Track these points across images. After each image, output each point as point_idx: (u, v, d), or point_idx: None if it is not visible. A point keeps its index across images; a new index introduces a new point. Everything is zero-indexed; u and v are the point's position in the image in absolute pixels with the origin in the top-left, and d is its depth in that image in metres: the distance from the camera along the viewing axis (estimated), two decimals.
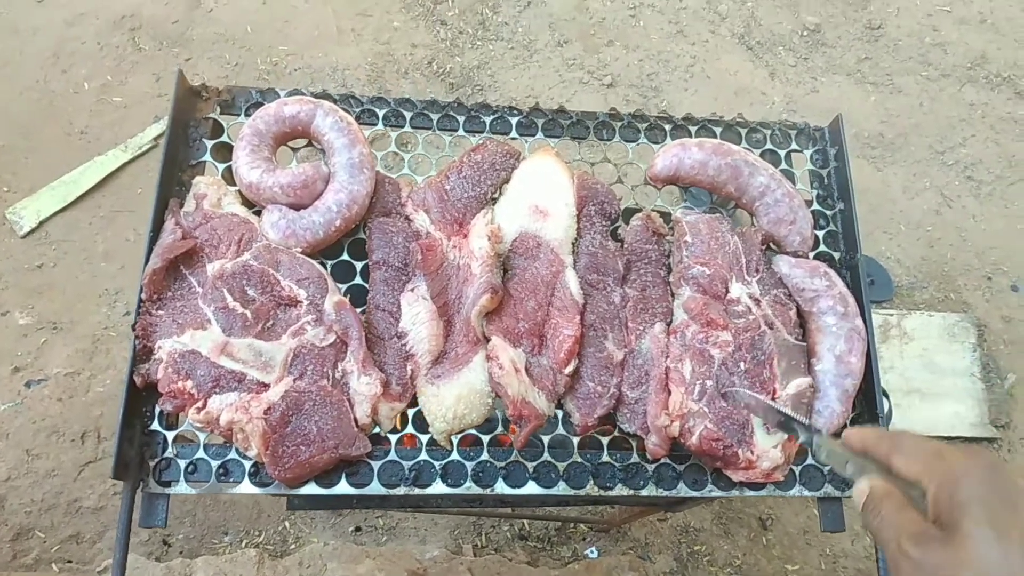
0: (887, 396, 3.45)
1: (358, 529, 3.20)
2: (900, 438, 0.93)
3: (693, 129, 1.78)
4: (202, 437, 1.45)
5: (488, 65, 4.03)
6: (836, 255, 1.71)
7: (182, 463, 1.43)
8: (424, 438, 1.49)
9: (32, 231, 3.42)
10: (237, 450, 1.44)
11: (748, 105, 4.07)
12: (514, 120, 1.75)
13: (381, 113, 1.72)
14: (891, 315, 3.65)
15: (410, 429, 1.49)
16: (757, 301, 1.56)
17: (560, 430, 1.54)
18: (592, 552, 3.26)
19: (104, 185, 3.55)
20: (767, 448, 1.45)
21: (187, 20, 3.87)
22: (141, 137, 3.59)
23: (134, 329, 1.45)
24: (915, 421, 3.50)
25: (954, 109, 4.23)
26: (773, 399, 1.50)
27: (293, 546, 3.13)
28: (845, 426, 1.58)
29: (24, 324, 3.28)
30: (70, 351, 3.24)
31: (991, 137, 4.17)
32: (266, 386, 1.43)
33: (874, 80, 4.23)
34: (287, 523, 3.16)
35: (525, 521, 3.27)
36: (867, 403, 1.60)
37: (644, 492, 1.49)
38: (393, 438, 1.49)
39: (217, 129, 1.68)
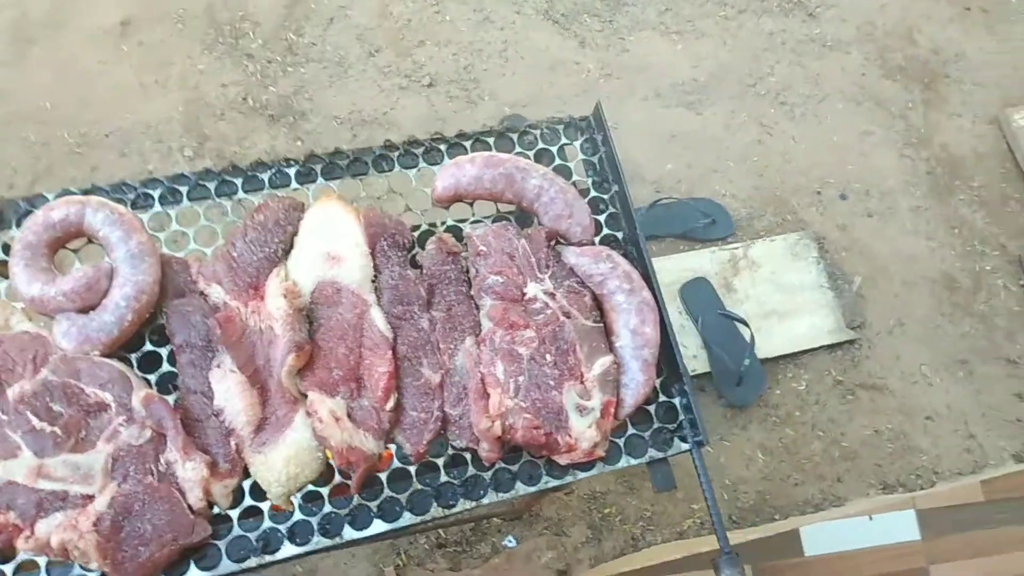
0: (747, 324, 3.66)
1: None
2: None
3: (468, 144, 1.85)
4: (42, 561, 1.45)
5: (304, 89, 4.00)
6: (619, 234, 1.82)
7: None
8: (265, 506, 1.52)
9: None
10: (81, 566, 1.44)
11: (565, 77, 4.18)
12: (292, 171, 1.78)
13: (156, 194, 1.71)
14: (737, 248, 3.86)
15: (249, 501, 1.53)
16: (552, 295, 1.66)
17: (396, 463, 1.60)
18: (510, 541, 3.35)
19: None
20: (583, 430, 1.55)
21: None
22: None
23: None
24: (778, 341, 3.72)
25: (756, 41, 4.45)
26: (582, 382, 1.60)
27: None
28: (656, 389, 1.70)
29: None
30: None
31: (794, 60, 4.42)
32: (91, 498, 1.43)
33: (677, 29, 4.41)
34: None
35: (440, 530, 3.33)
36: (669, 365, 1.71)
37: (485, 500, 1.57)
38: (234, 514, 1.52)
39: None
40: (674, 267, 3.75)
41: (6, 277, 1.64)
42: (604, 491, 3.46)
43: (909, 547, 3.19)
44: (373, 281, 1.69)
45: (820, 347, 3.78)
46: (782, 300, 3.81)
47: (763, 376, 3.66)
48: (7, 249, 1.65)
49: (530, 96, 4.08)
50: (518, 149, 1.85)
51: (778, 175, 4.13)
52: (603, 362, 1.61)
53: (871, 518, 3.21)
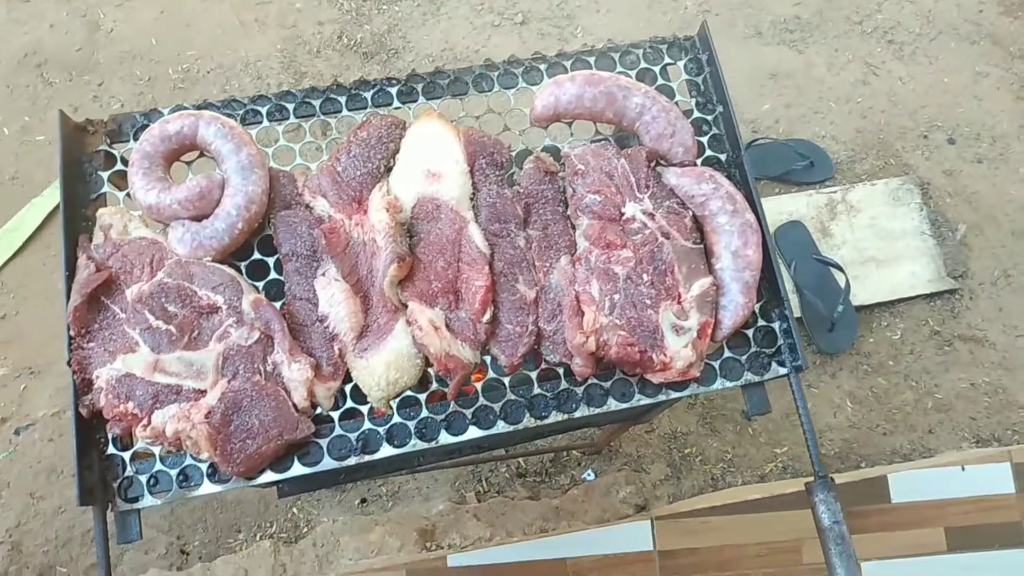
0: (842, 269, 3.55)
1: (364, 501, 3.33)
2: None
3: (567, 64, 1.83)
4: (157, 451, 1.54)
5: (398, 27, 4.02)
6: (723, 156, 1.77)
7: (143, 478, 1.53)
8: (365, 408, 1.58)
9: None
10: (192, 456, 1.53)
11: (662, 14, 4.08)
12: (394, 90, 1.80)
13: (264, 110, 1.76)
14: (835, 192, 3.73)
15: (350, 403, 1.58)
16: (651, 215, 1.64)
17: (492, 374, 1.63)
18: (589, 475, 3.39)
19: (48, 224, 3.58)
20: (678, 349, 1.55)
21: (90, 45, 3.85)
22: None
23: (70, 365, 1.53)
24: (874, 288, 3.60)
25: None
26: (679, 303, 1.59)
27: (305, 529, 3.25)
28: (754, 313, 1.67)
29: (1, 375, 3.35)
30: (51, 391, 3.32)
31: None
32: (203, 392, 1.51)
33: None
34: (295, 509, 3.28)
35: (520, 460, 3.39)
36: (770, 289, 1.68)
37: (577, 413, 1.59)
38: (336, 415, 1.58)
39: (110, 160, 1.73)
40: (769, 210, 3.64)
41: (123, 188, 1.72)
42: (685, 431, 3.45)
43: (1002, 500, 3.08)
44: (471, 198, 1.70)
45: (918, 296, 3.64)
46: (881, 246, 3.67)
47: (856, 323, 3.56)
48: (125, 161, 1.73)
49: (625, 33, 4.00)
50: (619, 69, 1.82)
51: (883, 117, 3.96)
52: (702, 283, 1.59)
53: (963, 469, 3.11)
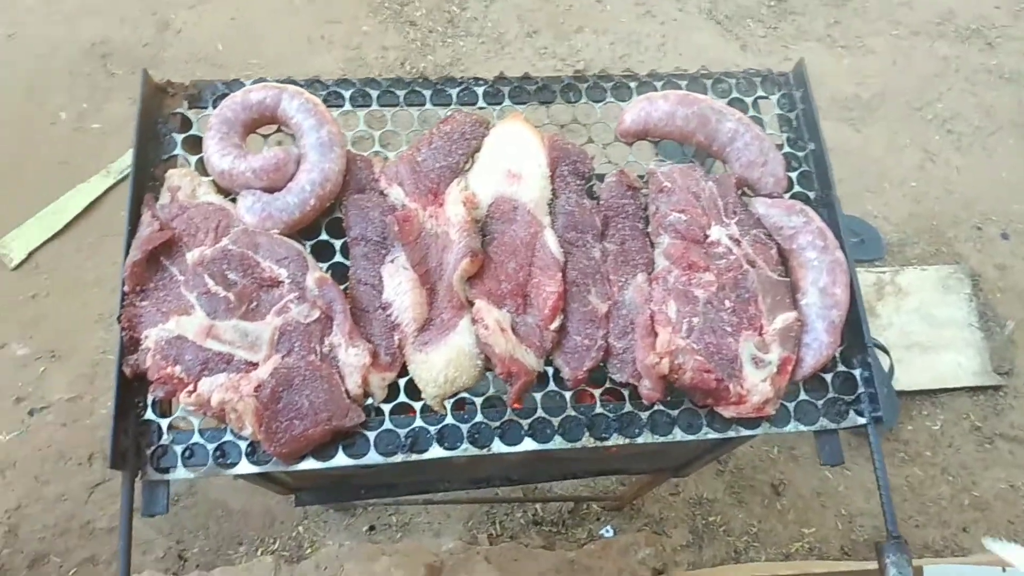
0: (887, 352, 3.44)
1: (372, 528, 3.20)
2: None
3: (658, 84, 1.80)
4: (196, 422, 1.46)
5: (460, 61, 4.05)
6: (811, 194, 1.72)
7: (178, 448, 1.44)
8: (418, 405, 1.50)
9: (22, 263, 3.44)
10: (232, 431, 1.44)
11: None
12: (480, 90, 1.77)
13: (347, 94, 1.73)
14: (884, 272, 3.67)
15: (403, 398, 1.50)
16: (737, 242, 1.58)
17: (552, 386, 1.54)
18: (607, 531, 3.26)
19: (90, 212, 3.57)
20: (756, 382, 1.46)
21: (157, 43, 3.89)
22: (122, 161, 3.61)
23: (120, 321, 1.46)
24: (918, 375, 3.50)
25: (928, 65, 4.25)
26: (761, 334, 1.51)
27: (309, 550, 3.13)
28: (834, 357, 1.58)
29: (22, 355, 3.29)
30: (71, 377, 3.25)
31: (967, 89, 4.20)
32: (255, 365, 1.44)
33: (845, 43, 4.26)
34: (301, 528, 3.16)
35: (538, 506, 3.27)
36: (854, 334, 1.60)
37: (640, 439, 1.49)
38: (387, 408, 1.49)
39: (186, 123, 1.69)
40: None
41: (195, 154, 1.68)
42: (712, 498, 3.32)
43: None
44: (549, 204, 1.65)
45: (961, 388, 3.54)
46: (928, 333, 3.58)
47: (897, 409, 3.44)
48: (200, 128, 1.69)
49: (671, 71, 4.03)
50: (710, 95, 1.79)
51: (937, 204, 3.91)
52: (786, 317, 1.52)
53: (1004, 571, 2.95)
